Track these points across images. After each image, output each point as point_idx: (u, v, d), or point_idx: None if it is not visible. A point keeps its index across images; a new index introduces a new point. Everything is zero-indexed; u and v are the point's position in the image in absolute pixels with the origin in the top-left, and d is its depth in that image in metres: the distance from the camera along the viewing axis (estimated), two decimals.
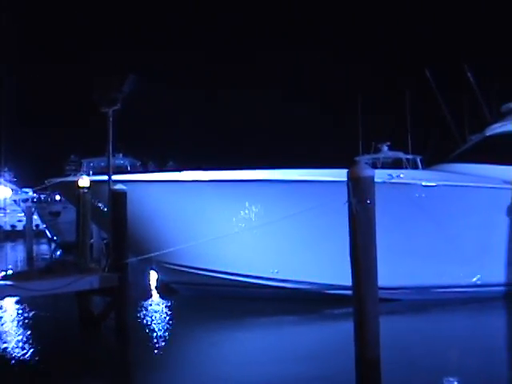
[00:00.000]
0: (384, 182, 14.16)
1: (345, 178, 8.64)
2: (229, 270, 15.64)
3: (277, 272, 15.44)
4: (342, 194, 8.66)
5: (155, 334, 13.04)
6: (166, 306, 16.38)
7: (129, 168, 38.11)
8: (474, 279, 15.77)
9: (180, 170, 15.89)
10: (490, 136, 18.09)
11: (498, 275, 15.93)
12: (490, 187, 15.71)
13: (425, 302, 15.44)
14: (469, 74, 35.68)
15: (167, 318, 14.98)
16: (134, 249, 14.23)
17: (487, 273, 15.84)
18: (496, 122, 19.75)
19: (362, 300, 8.52)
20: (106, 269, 13.36)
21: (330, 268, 14.32)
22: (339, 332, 12.79)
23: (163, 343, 12.39)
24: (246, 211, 15.26)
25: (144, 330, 13.40)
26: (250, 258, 15.41)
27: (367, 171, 8.58)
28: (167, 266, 16.17)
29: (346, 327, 9.13)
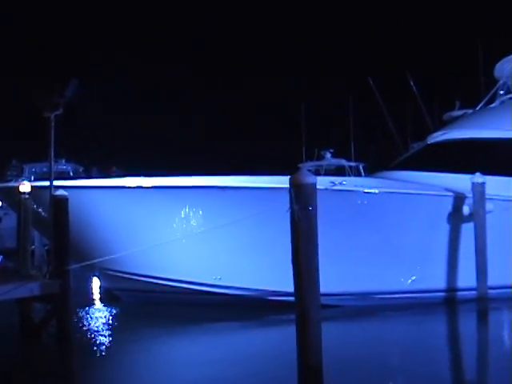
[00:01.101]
0: (326, 189, 14.27)
1: (287, 185, 8.67)
2: (172, 277, 15.57)
3: (219, 278, 15.41)
4: (285, 201, 8.69)
5: (98, 342, 12.93)
6: (108, 313, 16.25)
7: (71, 173, 37.70)
8: (416, 285, 15.93)
9: (123, 176, 15.81)
10: (432, 144, 18.34)
11: (439, 281, 16.15)
12: (432, 194, 15.90)
13: (367, 307, 15.57)
14: (411, 83, 36.26)
15: (110, 325, 14.88)
16: (77, 255, 14.08)
17: (428, 279, 16.02)
18: (438, 130, 20.03)
19: (304, 306, 8.53)
20: (48, 275, 13.21)
21: (273, 274, 14.34)
22: (282, 338, 12.76)
23: (106, 350, 12.30)
24: (189, 217, 15.22)
25: (86, 338, 13.29)
26: (192, 265, 15.37)
27: (309, 178, 8.61)
28: (110, 272, 16.05)
29: (289, 333, 9.14)
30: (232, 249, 15.09)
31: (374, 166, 29.36)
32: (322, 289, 8.75)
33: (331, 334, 9.96)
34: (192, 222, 15.23)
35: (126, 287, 16.59)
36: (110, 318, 15.69)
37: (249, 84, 55.47)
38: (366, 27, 58.07)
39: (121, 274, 15.89)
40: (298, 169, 9.26)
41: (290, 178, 8.62)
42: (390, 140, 37.78)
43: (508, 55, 20.52)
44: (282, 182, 9.40)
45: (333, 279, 12.60)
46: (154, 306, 15.77)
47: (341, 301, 15.37)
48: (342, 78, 50.50)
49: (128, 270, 15.69)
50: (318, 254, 8.58)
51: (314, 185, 8.59)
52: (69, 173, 37.82)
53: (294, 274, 8.62)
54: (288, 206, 8.58)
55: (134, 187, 15.23)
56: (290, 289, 8.73)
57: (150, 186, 15.21)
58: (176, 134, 50.26)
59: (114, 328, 14.49)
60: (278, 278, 12.18)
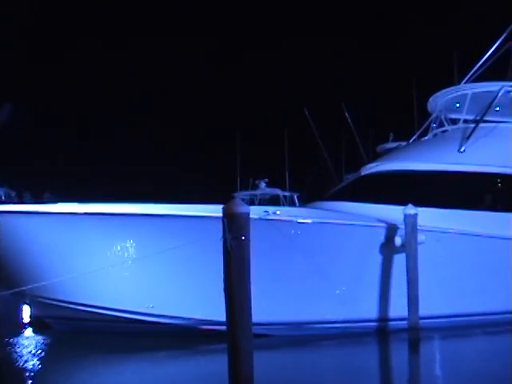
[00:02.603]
0: (260, 219, 14.33)
1: (220, 214, 8.68)
2: (104, 305, 15.37)
3: (152, 307, 15.27)
4: (218, 230, 8.69)
5: (27, 370, 12.69)
6: (38, 342, 15.96)
7: (3, 198, 37.12)
8: (348, 315, 16.01)
9: (56, 202, 15.62)
10: (365, 175, 18.57)
11: (371, 311, 16.28)
12: (364, 225, 16.06)
13: (299, 337, 15.60)
14: (347, 115, 36.72)
15: (40, 353, 14.59)
16: (7, 282, 13.87)
17: (361, 309, 16.13)
18: (372, 161, 20.28)
19: (235, 336, 8.53)
20: None
21: (206, 303, 14.24)
22: (214, 368, 12.74)
23: (35, 379, 12.08)
24: (122, 245, 15.08)
25: (15, 366, 13.04)
26: (125, 293, 15.21)
27: (242, 207, 8.64)
28: (41, 299, 15.78)
29: (221, 363, 9.11)
30: (165, 277, 15.00)
31: (309, 197, 29.61)
32: (255, 318, 8.76)
33: (263, 363, 9.93)
34: (125, 250, 15.08)
35: (57, 315, 16.32)
36: (40, 346, 15.41)
37: (184, 110, 55.36)
38: (303, 59, 58.58)
39: (52, 302, 15.62)
40: (231, 198, 9.26)
41: (223, 207, 8.64)
42: (325, 170, 38.15)
43: (441, 89, 20.94)
44: (216, 210, 9.41)
45: (265, 309, 12.62)
46: (86, 334, 15.56)
47: (273, 330, 15.36)
48: (278, 109, 50.83)
49: (59, 298, 15.42)
50: (250, 283, 8.60)
51: (247, 214, 8.63)
52: (0, 197, 37.23)
53: (225, 304, 8.62)
54: (221, 235, 8.59)
55: (66, 213, 15.04)
56: (223, 318, 8.72)
57: (82, 212, 15.04)
58: (114, 161, 49.85)
59: (43, 357, 14.22)
60: (210, 307, 12.11)
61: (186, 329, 15.26)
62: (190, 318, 15.24)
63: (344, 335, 15.76)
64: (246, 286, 8.56)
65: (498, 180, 18.60)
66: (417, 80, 35.39)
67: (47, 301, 15.65)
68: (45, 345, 15.60)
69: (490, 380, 11.93)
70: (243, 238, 8.49)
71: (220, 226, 8.64)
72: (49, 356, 14.38)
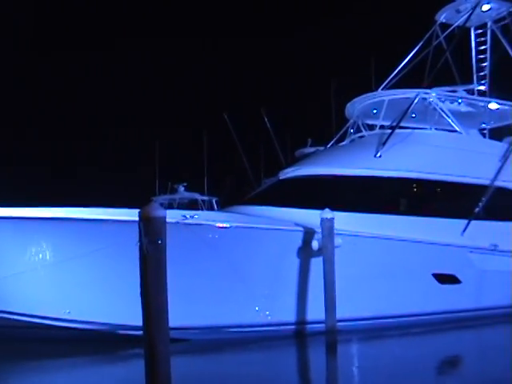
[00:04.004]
0: (177, 223, 14.30)
1: (137, 218, 8.62)
2: (20, 311, 15.04)
3: (68, 312, 15.04)
4: (134, 234, 8.63)
5: None
6: None
7: None
8: (266, 319, 16.08)
9: None
10: (283, 179, 18.69)
11: (289, 314, 16.37)
12: (282, 229, 16.15)
13: (217, 341, 15.57)
14: (266, 119, 36.92)
15: None
16: None
17: (278, 312, 16.21)
18: (290, 166, 20.41)
19: (152, 341, 8.48)
20: None
21: (123, 308, 14.13)
22: (131, 373, 12.63)
23: None
24: (38, 249, 14.81)
25: None
26: (41, 298, 14.92)
27: (159, 211, 8.60)
28: None
29: (139, 368, 9.04)
30: (81, 282, 14.78)
31: (228, 201, 29.63)
32: (173, 323, 8.73)
33: (181, 368, 9.89)
34: (40, 255, 14.81)
35: None
36: None
37: (103, 110, 54.79)
38: (222, 64, 58.65)
39: None
40: (150, 202, 9.20)
41: (140, 211, 8.59)
42: (244, 175, 38.29)
43: (359, 96, 21.22)
44: (133, 214, 9.33)
45: (183, 313, 12.58)
46: (1, 341, 15.24)
47: (191, 335, 15.30)
48: (197, 112, 50.76)
49: None
50: (166, 287, 8.57)
51: (164, 218, 8.59)
52: None
53: (142, 309, 8.57)
54: (137, 239, 8.53)
55: None
56: (140, 322, 8.66)
57: None
58: (30, 162, 48.98)
59: None
60: (127, 312, 12.00)
61: (104, 334, 15.08)
62: (107, 324, 15.06)
63: (262, 339, 15.78)
64: (163, 291, 8.52)
65: (413, 185, 18.96)
66: (335, 86, 35.72)
67: None
68: None
69: (405, 381, 12.09)
70: (160, 242, 8.46)
71: (137, 230, 8.59)
72: None
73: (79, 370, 13.85)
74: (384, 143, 18.47)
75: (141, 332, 8.82)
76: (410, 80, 22.23)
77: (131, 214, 10.02)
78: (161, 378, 8.45)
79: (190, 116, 52.06)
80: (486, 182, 19.59)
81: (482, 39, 23.90)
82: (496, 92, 22.88)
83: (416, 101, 19.66)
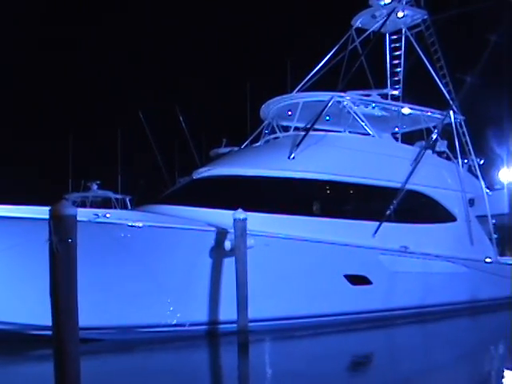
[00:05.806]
0: (89, 221, 14.17)
1: (47, 216, 8.51)
2: None
3: None
4: (45, 232, 8.52)
5: None
6: None
7: None
8: (178, 318, 16.05)
9: None
10: (197, 179, 18.68)
11: (201, 314, 16.40)
12: (195, 229, 16.14)
13: (129, 341, 15.48)
14: (181, 118, 36.79)
15: None
16: None
17: (191, 312, 16.21)
18: (204, 165, 20.40)
19: (61, 341, 8.38)
20: None
21: (32, 308, 13.89)
22: (41, 373, 12.45)
23: None
24: None
25: None
26: None
27: (69, 210, 8.50)
28: None
29: (48, 369, 8.92)
30: None
31: (141, 200, 29.41)
32: (84, 322, 8.65)
33: (91, 368, 9.82)
34: None
35: None
36: None
37: (17, 106, 53.58)
38: (139, 61, 58.21)
39: None
40: (62, 199, 9.09)
41: (50, 209, 8.48)
42: (158, 174, 38.11)
43: (274, 97, 21.36)
44: (43, 212, 9.21)
45: (95, 313, 12.48)
46: None
47: (102, 335, 15.17)
48: (111, 110, 50.15)
49: None
50: (77, 286, 8.48)
51: (75, 216, 8.51)
52: None
53: (51, 308, 8.46)
54: (47, 237, 8.42)
55: None
56: (50, 322, 8.55)
57: None
58: None
59: None
60: (36, 312, 11.81)
61: (13, 334, 14.82)
62: (16, 323, 14.78)
63: (175, 339, 15.77)
64: (73, 290, 8.43)
65: (326, 187, 19.19)
66: (251, 87, 35.83)
67: None
68: None
69: (316, 380, 12.22)
70: (70, 240, 8.37)
71: (47, 228, 8.48)
72: None
73: None
74: (298, 145, 18.63)
75: (50, 332, 8.71)
76: (326, 83, 22.50)
77: (42, 212, 9.90)
78: (70, 378, 8.36)
79: (104, 113, 51.44)
80: (398, 185, 20.00)
81: (397, 45, 24.36)
82: (409, 97, 23.38)
83: (330, 104, 19.92)
